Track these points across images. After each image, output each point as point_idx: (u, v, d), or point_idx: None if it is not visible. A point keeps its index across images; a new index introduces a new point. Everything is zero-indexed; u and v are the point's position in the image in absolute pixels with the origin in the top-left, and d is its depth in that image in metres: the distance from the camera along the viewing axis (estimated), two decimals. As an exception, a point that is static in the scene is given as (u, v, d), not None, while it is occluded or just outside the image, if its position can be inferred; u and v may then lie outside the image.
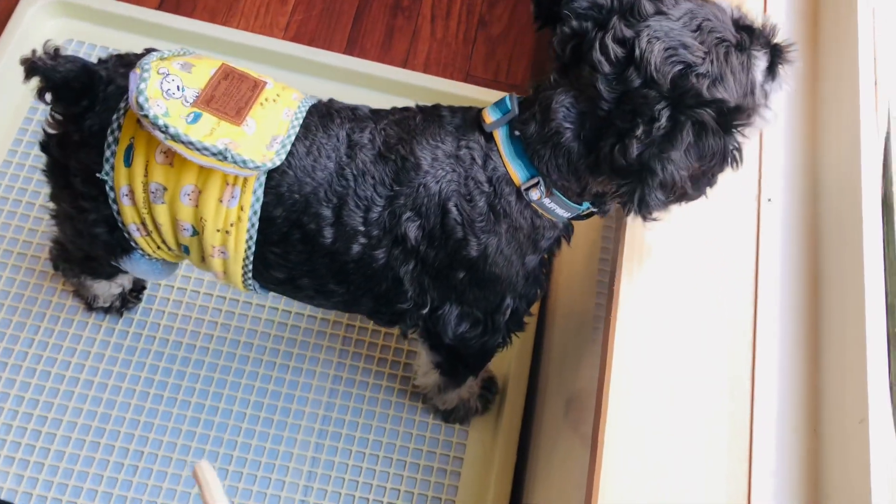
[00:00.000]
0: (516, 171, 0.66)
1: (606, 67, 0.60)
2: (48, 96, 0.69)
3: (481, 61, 1.22)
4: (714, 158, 0.60)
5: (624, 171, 0.59)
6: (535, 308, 0.80)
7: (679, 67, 0.59)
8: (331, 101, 0.73)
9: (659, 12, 0.61)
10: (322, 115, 0.70)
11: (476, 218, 0.67)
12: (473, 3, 1.25)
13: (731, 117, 0.59)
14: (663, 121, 0.58)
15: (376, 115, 0.72)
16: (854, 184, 0.64)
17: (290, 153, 0.67)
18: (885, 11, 0.72)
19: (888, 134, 0.68)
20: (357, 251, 0.69)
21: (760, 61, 0.63)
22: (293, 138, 0.68)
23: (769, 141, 0.72)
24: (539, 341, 0.99)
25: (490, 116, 0.67)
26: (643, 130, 0.58)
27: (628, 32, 0.60)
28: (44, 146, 0.74)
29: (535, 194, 0.66)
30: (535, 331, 0.99)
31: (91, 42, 1.11)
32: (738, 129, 0.60)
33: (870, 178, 0.63)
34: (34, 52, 0.68)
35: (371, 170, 0.68)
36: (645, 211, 0.61)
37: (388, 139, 0.69)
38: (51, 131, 0.72)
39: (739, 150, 0.61)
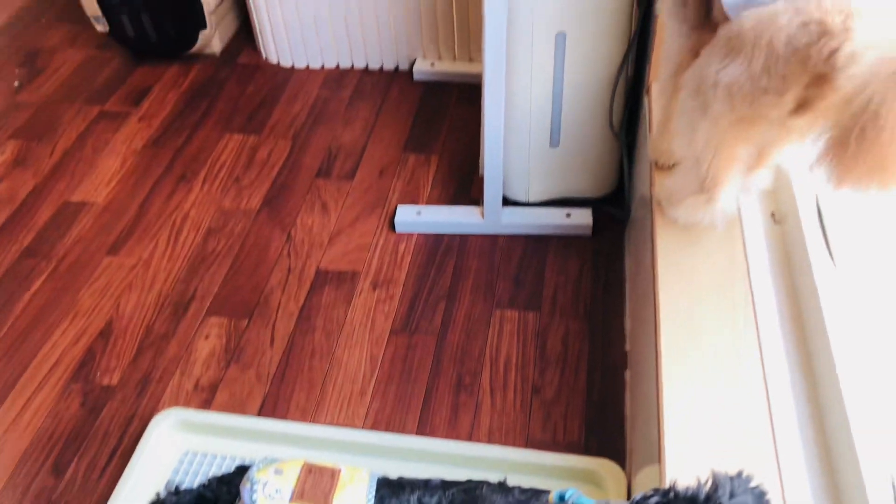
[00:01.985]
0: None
1: None
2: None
3: (539, 425, 1.35)
4: None
5: None
6: None
7: None
8: (400, 478, 0.87)
9: None
10: (393, 486, 0.83)
11: None
12: (527, 373, 1.43)
13: None
14: None
15: (447, 484, 0.84)
16: None
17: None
18: None
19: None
20: None
21: None
22: None
23: None
24: None
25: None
26: None
27: None
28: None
29: None
30: None
31: (204, 451, 1.30)
32: None
33: None
34: (158, 494, 0.86)
35: None
36: None
37: (453, 502, 0.80)
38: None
39: None
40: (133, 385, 1.44)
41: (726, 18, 0.90)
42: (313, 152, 1.93)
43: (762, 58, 0.82)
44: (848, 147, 0.70)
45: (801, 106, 0.84)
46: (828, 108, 0.78)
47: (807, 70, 0.80)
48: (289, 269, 1.64)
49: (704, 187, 1.00)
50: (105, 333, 1.54)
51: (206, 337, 1.52)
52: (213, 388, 1.43)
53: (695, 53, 1.06)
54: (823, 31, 0.78)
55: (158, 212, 1.79)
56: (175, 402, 1.41)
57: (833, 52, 0.77)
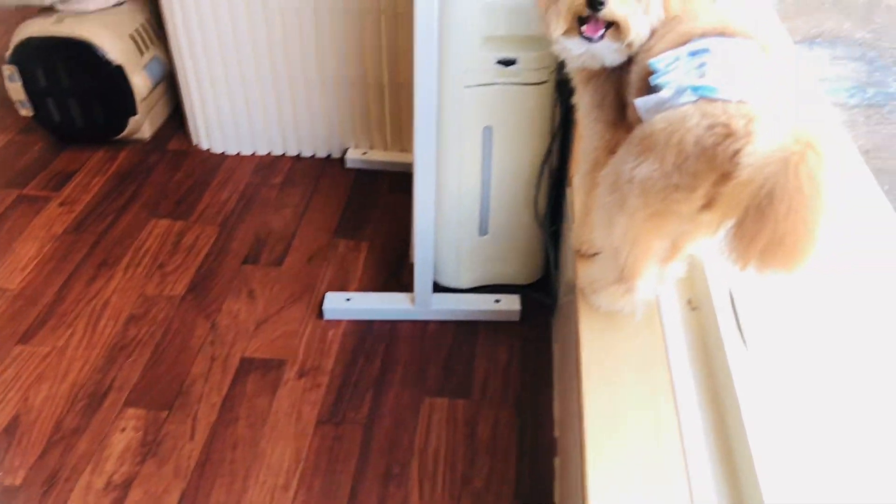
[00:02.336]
0: None
1: None
2: None
3: (468, 516, 1.32)
4: None
5: None
6: None
7: None
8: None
9: None
10: None
11: None
12: (456, 462, 1.41)
13: None
14: None
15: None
16: None
17: None
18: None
19: None
20: None
21: None
22: None
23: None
24: None
25: None
26: None
27: None
28: None
29: None
30: None
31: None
32: None
33: None
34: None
35: None
36: None
37: None
38: None
39: None
40: (38, 485, 1.35)
41: (640, 119, 0.96)
42: (241, 238, 1.92)
43: (673, 156, 0.87)
44: (747, 226, 0.75)
45: (711, 201, 0.89)
46: (732, 200, 0.82)
47: (714, 168, 0.86)
48: (212, 358, 1.59)
49: (623, 277, 1.03)
50: (10, 429, 1.45)
51: (122, 430, 1.45)
52: (127, 486, 1.35)
53: (611, 151, 1.12)
54: (728, 133, 0.84)
55: (77, 298, 1.73)
56: (83, 502, 1.32)
57: (737, 152, 0.83)
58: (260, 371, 1.56)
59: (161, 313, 1.70)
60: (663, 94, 0.91)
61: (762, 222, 0.74)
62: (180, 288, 1.76)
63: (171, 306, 1.71)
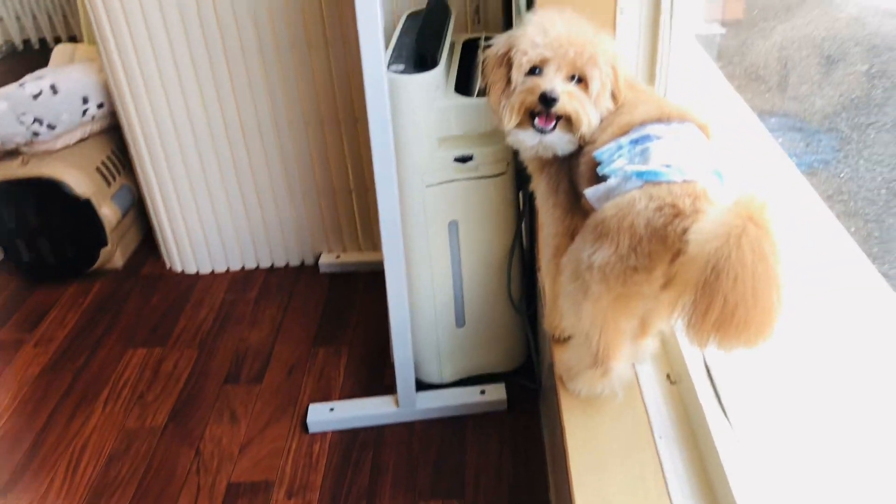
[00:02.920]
0: None
1: None
2: None
3: None
4: None
5: None
6: None
7: None
8: None
9: None
10: None
11: None
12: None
13: None
14: None
15: None
16: None
17: None
18: None
19: None
20: None
21: None
22: None
23: None
24: None
25: None
26: None
27: None
28: None
29: None
30: None
31: None
32: None
33: None
34: None
35: None
36: None
37: None
38: None
39: None
40: None
41: (593, 208, 0.98)
42: (221, 358, 1.90)
43: (627, 239, 0.89)
44: (699, 301, 0.76)
45: (669, 280, 0.90)
46: (684, 278, 0.83)
47: (668, 247, 0.87)
48: (198, 487, 1.55)
49: (597, 361, 1.03)
50: (-8, 589, 1.38)
51: (109, 576, 1.39)
52: None
53: (571, 236, 1.14)
54: (676, 213, 0.86)
55: (56, 441, 1.68)
56: None
57: (686, 230, 0.84)
58: (247, 496, 1.52)
59: (143, 446, 1.66)
60: (611, 182, 0.93)
61: (712, 296, 0.75)
62: (161, 417, 1.73)
63: (153, 438, 1.68)
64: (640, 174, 0.89)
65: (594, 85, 1.00)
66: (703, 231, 0.78)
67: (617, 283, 0.92)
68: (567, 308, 1.02)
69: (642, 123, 0.97)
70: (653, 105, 1.00)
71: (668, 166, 0.88)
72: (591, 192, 0.97)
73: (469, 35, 1.77)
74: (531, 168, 1.18)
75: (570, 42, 0.99)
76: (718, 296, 0.74)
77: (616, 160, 0.95)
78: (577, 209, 1.11)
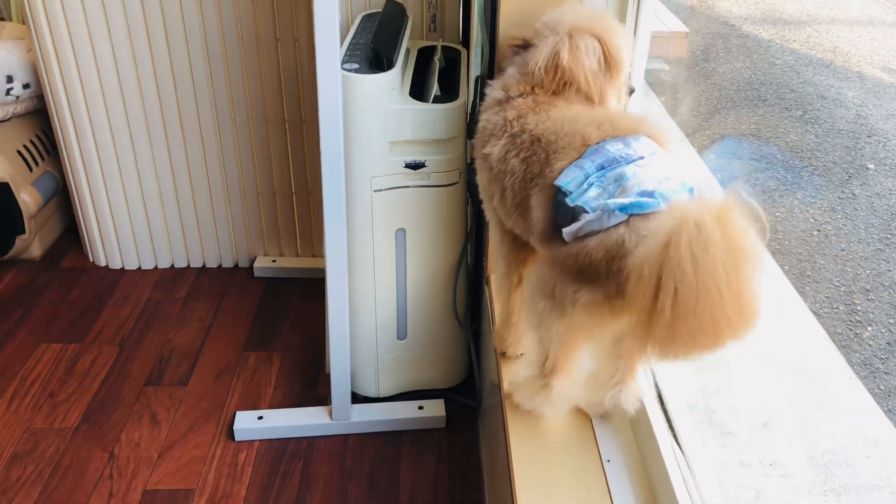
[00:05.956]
0: None
1: None
2: None
3: None
4: None
5: None
6: None
7: None
8: None
9: None
10: None
11: None
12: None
13: None
14: None
15: None
16: None
17: None
18: None
19: None
20: None
21: None
22: None
23: None
24: None
25: None
26: None
27: None
28: None
29: None
30: None
31: None
32: None
33: None
34: None
35: None
36: None
37: None
38: None
39: None
40: None
41: (547, 225, 0.95)
42: (143, 358, 1.79)
43: (616, 285, 0.85)
44: (643, 318, 0.75)
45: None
46: (635, 291, 0.81)
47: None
48: (110, 494, 1.44)
49: (542, 372, 1.01)
50: None
51: (3, 590, 1.27)
52: None
53: (522, 255, 1.12)
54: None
55: (-48, 439, 1.55)
56: None
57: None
58: (165, 505, 1.42)
59: (51, 447, 1.53)
60: (589, 217, 0.88)
61: (661, 294, 0.73)
62: (73, 418, 1.61)
63: (62, 438, 1.56)
64: (623, 208, 0.85)
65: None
66: (640, 251, 0.77)
67: (604, 318, 0.90)
68: (535, 324, 0.98)
69: (598, 142, 0.93)
70: (603, 118, 0.96)
71: (650, 194, 0.85)
72: (567, 232, 0.91)
73: (425, 42, 1.74)
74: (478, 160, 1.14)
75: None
76: (666, 288, 0.72)
77: (589, 190, 0.90)
78: (520, 220, 1.05)
